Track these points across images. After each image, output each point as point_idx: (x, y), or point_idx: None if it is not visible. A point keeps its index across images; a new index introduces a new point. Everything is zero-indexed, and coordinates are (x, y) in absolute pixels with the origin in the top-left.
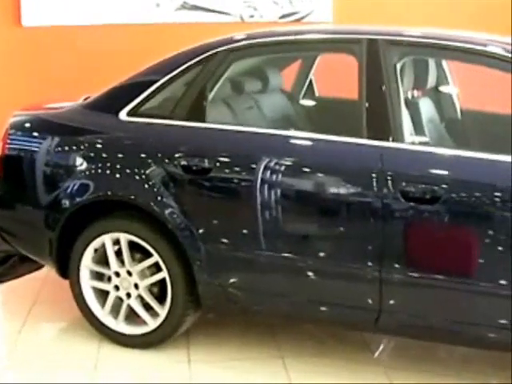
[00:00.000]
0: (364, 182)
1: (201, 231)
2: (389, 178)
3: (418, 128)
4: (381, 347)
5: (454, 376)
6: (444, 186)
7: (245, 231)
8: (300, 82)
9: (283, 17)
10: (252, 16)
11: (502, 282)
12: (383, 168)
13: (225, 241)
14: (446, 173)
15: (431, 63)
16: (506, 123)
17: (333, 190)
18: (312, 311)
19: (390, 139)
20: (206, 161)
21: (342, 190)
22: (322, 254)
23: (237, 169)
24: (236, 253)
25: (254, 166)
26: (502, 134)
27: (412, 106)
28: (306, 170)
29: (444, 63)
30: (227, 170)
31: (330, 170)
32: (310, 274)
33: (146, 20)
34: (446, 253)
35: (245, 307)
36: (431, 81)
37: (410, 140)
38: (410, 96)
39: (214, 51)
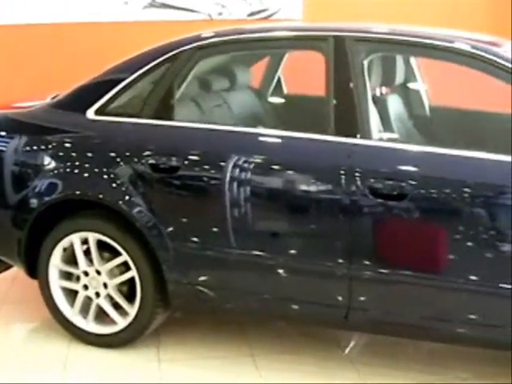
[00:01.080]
0: (332, 179)
1: (169, 230)
2: (357, 174)
3: (386, 124)
4: (351, 344)
5: (423, 371)
6: (412, 182)
7: (214, 229)
8: (268, 80)
9: (252, 14)
10: (220, 14)
11: (472, 277)
12: (351, 165)
13: (194, 239)
14: (414, 169)
15: (399, 60)
16: (475, 119)
17: (302, 187)
18: (283, 309)
19: (358, 136)
20: (174, 159)
21: (311, 188)
22: (291, 252)
23: (205, 167)
24: (205, 251)
25: (222, 164)
26: (471, 131)
27: (380, 103)
28: (275, 167)
29: (412, 60)
30: (195, 169)
31: (299, 167)
32: (281, 271)
33: (114, 18)
34: (414, 249)
35: (215, 305)
36: (399, 77)
37: (378, 137)
38: (378, 93)
39: (181, 49)
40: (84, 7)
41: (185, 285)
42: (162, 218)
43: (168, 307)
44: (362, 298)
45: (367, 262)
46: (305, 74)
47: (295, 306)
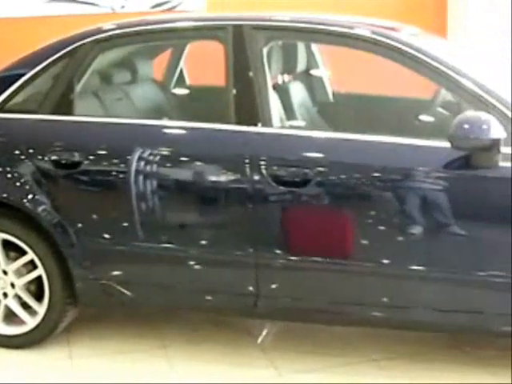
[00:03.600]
0: (236, 168)
1: (75, 226)
2: (259, 163)
3: (288, 112)
4: (264, 332)
5: (336, 355)
6: (316, 168)
7: (122, 224)
8: (171, 71)
9: (155, 6)
10: (123, 7)
11: (382, 260)
12: (253, 153)
13: (101, 235)
14: (317, 155)
15: (300, 47)
16: (379, 104)
17: (207, 177)
18: (195, 300)
19: (259, 124)
20: (77, 154)
21: (216, 178)
22: (201, 243)
23: (109, 161)
24: (114, 246)
25: (126, 157)
26: (375, 115)
27: (282, 91)
28: (180, 158)
29: (314, 47)
30: (99, 163)
31: (203, 157)
32: (191, 263)
33: (16, 13)
34: (322, 235)
35: (126, 300)
36: (301, 65)
37: (280, 124)
38: (279, 81)
39: (80, 42)
40: None
41: (93, 281)
42: (67, 214)
43: (77, 304)
44: (271, 286)
45: (273, 250)
46: (207, 65)
47: (207, 297)
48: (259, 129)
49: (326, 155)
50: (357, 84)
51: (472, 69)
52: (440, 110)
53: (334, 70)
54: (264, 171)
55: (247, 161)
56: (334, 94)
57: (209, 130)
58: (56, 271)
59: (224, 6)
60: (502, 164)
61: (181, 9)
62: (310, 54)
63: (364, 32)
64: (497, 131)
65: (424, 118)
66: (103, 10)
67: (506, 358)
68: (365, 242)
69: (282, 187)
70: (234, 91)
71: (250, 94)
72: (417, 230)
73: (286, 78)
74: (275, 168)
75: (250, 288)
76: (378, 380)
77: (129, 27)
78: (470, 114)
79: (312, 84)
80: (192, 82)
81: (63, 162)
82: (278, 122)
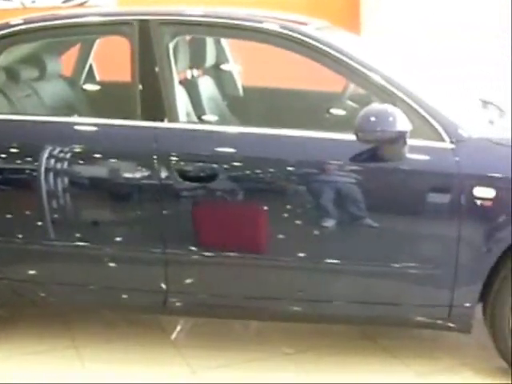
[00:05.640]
0: (144, 164)
1: None
2: (166, 158)
3: (196, 107)
4: (177, 328)
5: (249, 349)
6: (224, 163)
7: (33, 223)
8: (80, 67)
9: (66, 1)
10: (34, 1)
11: (300, 254)
12: (160, 149)
13: (12, 234)
14: (226, 150)
15: (209, 42)
16: (289, 98)
17: (118, 174)
18: (109, 298)
19: (166, 120)
20: None
21: (126, 174)
22: (112, 241)
23: (19, 159)
24: (25, 245)
25: (37, 155)
26: (286, 109)
27: (190, 86)
28: (90, 155)
29: (224, 41)
30: (8, 162)
31: (113, 154)
32: (105, 260)
33: None
34: (235, 230)
35: (38, 300)
36: (210, 59)
37: (187, 119)
38: (187, 76)
39: None
40: None
41: (2, 280)
42: None
43: None
44: (182, 283)
45: (184, 246)
46: (117, 60)
47: (121, 295)
48: (166, 124)
49: (234, 150)
50: (267, 78)
51: (380, 62)
52: (350, 103)
53: (245, 65)
54: (171, 167)
55: (155, 157)
56: (244, 89)
57: (118, 127)
58: None
59: (135, 0)
60: (409, 156)
61: (92, 3)
62: (219, 49)
63: (272, 26)
64: (403, 124)
65: (334, 111)
66: (13, 5)
67: (418, 349)
68: (279, 236)
69: (189, 183)
70: (140, 87)
71: (155, 90)
72: (331, 223)
73: (195, 72)
74: (182, 163)
75: (162, 285)
76: (291, 373)
77: (36, 22)
78: (376, 106)
79: (222, 79)
80: (102, 78)
81: None
82: (184, 118)
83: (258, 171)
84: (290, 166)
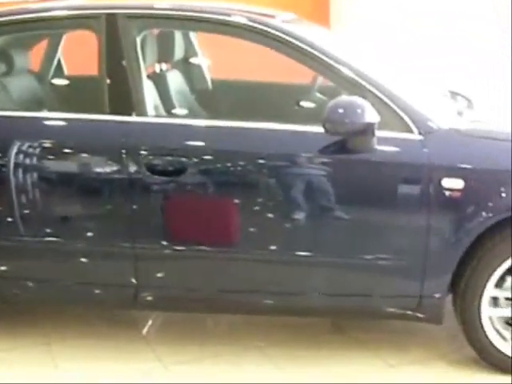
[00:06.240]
0: (113, 158)
1: None
2: (134, 152)
3: (165, 101)
4: (149, 323)
5: (221, 343)
6: (193, 156)
7: (3, 219)
8: (48, 62)
9: None
10: None
11: (271, 247)
12: (128, 143)
13: None
14: (195, 143)
15: (178, 35)
16: (259, 91)
17: (87, 169)
18: (81, 294)
19: (134, 114)
20: None
21: (96, 169)
22: (82, 236)
23: None
24: None
25: (4, 151)
26: (255, 102)
27: (158, 80)
28: (60, 150)
29: (192, 35)
30: None
31: (83, 149)
32: (75, 256)
33: None
34: (206, 224)
35: (9, 296)
36: (179, 53)
37: (155, 113)
38: (155, 69)
39: None
40: None
41: None
42: None
43: None
44: (153, 277)
45: (153, 241)
46: (85, 54)
47: (93, 290)
48: (134, 118)
49: (203, 143)
50: (236, 71)
51: (348, 54)
52: (318, 95)
53: (214, 58)
54: (139, 161)
55: (123, 151)
56: (213, 82)
57: (87, 121)
58: None
59: None
60: (378, 148)
61: None
62: (187, 42)
63: (240, 19)
64: (371, 115)
65: (304, 103)
66: None
67: (390, 341)
68: (250, 229)
69: (157, 177)
70: (108, 81)
71: (123, 84)
72: (302, 215)
73: (164, 66)
74: (151, 157)
75: (132, 279)
76: (263, 366)
77: (3, 16)
78: (344, 98)
79: (190, 72)
80: (71, 73)
81: None
82: (153, 111)
83: (227, 164)
84: (260, 159)
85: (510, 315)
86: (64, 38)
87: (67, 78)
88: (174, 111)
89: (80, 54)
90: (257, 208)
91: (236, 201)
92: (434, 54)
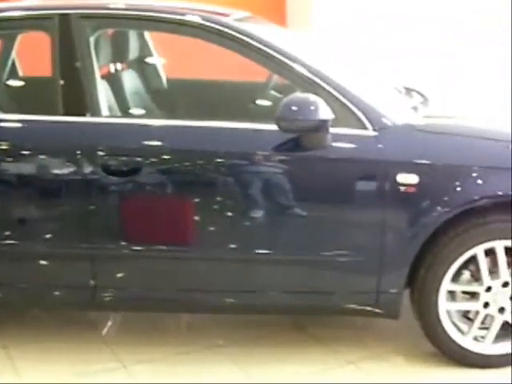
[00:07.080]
0: (69, 159)
1: None
2: (89, 153)
3: (120, 101)
4: (108, 324)
5: (180, 343)
6: (149, 156)
7: None
8: (2, 63)
9: None
10: None
11: (231, 246)
12: (82, 144)
13: None
14: (150, 143)
15: (132, 35)
16: (214, 89)
17: (44, 171)
18: (38, 296)
19: (88, 114)
20: None
21: (52, 170)
22: (40, 238)
23: None
24: None
25: None
26: (211, 101)
27: (113, 80)
28: (15, 152)
29: (147, 34)
30: None
31: (37, 150)
32: (33, 258)
33: None
34: (163, 223)
35: None
36: (133, 53)
37: (110, 114)
38: (109, 69)
39: None
40: None
41: None
42: None
43: None
44: (112, 278)
45: (110, 241)
46: (40, 55)
47: (51, 292)
48: (88, 119)
49: (160, 142)
50: (192, 70)
51: (302, 52)
52: (273, 93)
53: (169, 57)
54: (95, 161)
55: (79, 152)
56: (168, 81)
57: (41, 122)
58: None
59: None
60: (333, 144)
61: None
62: (142, 42)
63: (194, 18)
64: (324, 112)
65: (259, 101)
66: None
67: (349, 337)
68: (209, 228)
69: (113, 177)
70: (62, 82)
71: (77, 84)
72: (259, 213)
73: (118, 66)
74: (106, 158)
75: (90, 281)
76: (223, 365)
77: None
78: (297, 95)
79: (146, 72)
80: (26, 74)
81: None
82: (107, 112)
83: (184, 163)
84: (216, 158)
85: (467, 309)
86: (18, 38)
87: (22, 79)
88: (129, 111)
89: (35, 55)
90: (214, 207)
91: (193, 200)
92: (395, 53)
